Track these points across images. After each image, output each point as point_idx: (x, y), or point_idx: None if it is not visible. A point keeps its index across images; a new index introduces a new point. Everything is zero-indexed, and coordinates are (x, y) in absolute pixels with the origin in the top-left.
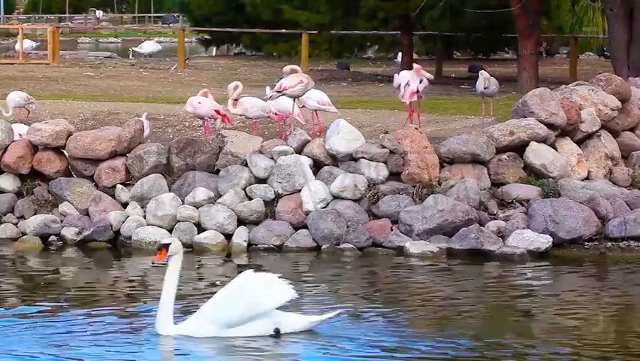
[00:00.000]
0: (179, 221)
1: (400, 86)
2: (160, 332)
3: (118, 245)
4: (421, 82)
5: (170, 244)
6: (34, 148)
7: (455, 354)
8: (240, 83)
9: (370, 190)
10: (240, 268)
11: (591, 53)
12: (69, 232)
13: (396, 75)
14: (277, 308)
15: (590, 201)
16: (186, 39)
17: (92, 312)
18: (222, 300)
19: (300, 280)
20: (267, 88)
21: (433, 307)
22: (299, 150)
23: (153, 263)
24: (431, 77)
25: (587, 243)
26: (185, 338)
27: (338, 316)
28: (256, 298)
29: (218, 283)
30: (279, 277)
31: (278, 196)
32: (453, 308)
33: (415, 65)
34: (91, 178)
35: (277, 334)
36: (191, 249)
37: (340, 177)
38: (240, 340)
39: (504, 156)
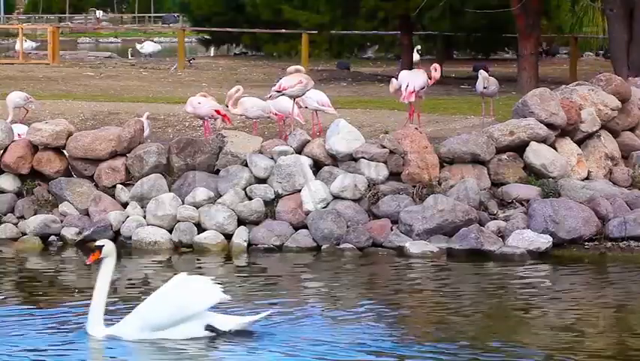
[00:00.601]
0: (179, 221)
1: (399, 87)
2: (90, 333)
3: (118, 245)
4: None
5: (103, 245)
6: (34, 148)
7: (455, 355)
8: (241, 87)
9: (370, 190)
10: (240, 268)
11: (591, 53)
12: (69, 232)
13: (394, 79)
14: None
15: (590, 201)
16: (186, 39)
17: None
18: (153, 303)
19: (300, 280)
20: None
21: (432, 308)
22: (299, 150)
23: (86, 265)
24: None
25: (587, 243)
26: (113, 340)
27: (269, 316)
28: (184, 300)
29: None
30: (212, 280)
31: (278, 196)
32: (453, 308)
33: (436, 72)
34: (91, 178)
35: (214, 331)
36: (191, 249)
37: (340, 177)
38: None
39: (504, 156)
